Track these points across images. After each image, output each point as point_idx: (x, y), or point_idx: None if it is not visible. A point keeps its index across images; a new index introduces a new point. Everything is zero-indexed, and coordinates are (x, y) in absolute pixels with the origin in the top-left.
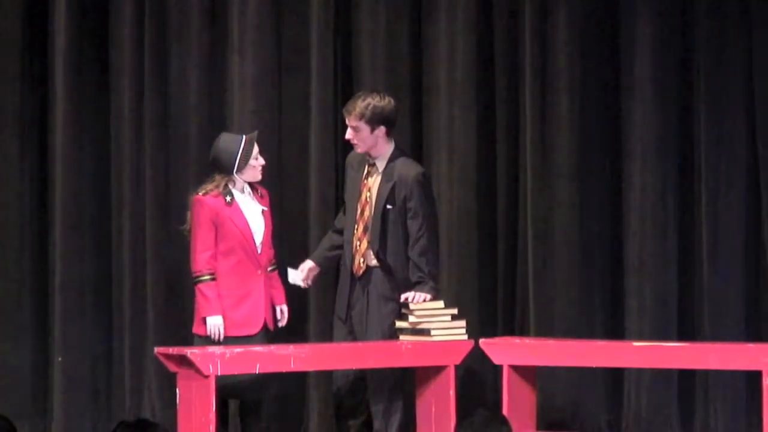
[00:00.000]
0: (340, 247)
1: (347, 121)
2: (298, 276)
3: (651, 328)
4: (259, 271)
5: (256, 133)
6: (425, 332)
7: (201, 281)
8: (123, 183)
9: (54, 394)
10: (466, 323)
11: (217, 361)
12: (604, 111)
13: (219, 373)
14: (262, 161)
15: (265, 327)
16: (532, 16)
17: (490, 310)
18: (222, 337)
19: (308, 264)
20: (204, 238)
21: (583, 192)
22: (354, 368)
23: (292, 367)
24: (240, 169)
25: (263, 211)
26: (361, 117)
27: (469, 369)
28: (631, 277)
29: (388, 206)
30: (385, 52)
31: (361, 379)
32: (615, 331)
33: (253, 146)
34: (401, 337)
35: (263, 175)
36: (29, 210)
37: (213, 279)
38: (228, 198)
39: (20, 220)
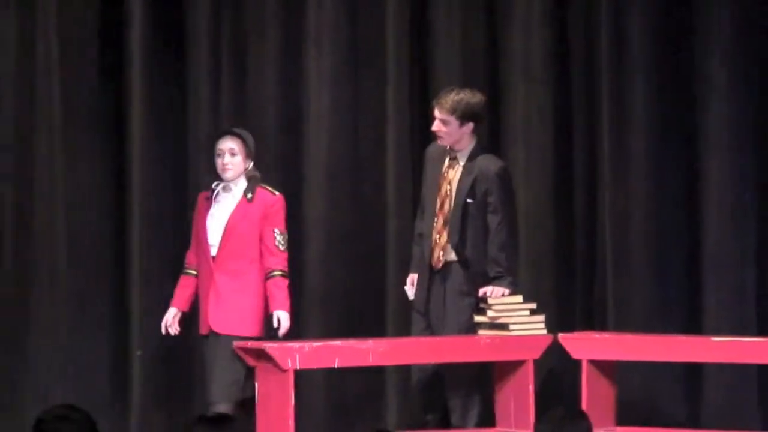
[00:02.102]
0: None
1: (437, 114)
2: (411, 291)
3: (729, 322)
4: (213, 271)
5: (219, 130)
6: (504, 327)
7: (181, 272)
8: (200, 177)
9: (133, 388)
10: (545, 317)
11: (296, 356)
12: (681, 104)
13: (298, 368)
14: (224, 161)
15: (209, 330)
16: (608, 10)
17: (568, 305)
18: (165, 329)
19: (415, 276)
20: (192, 232)
21: (661, 186)
22: (432, 362)
23: (371, 361)
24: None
25: (231, 213)
26: (453, 111)
27: (547, 364)
28: (709, 271)
29: (469, 200)
30: (460, 46)
31: (439, 372)
32: (693, 325)
33: (214, 144)
34: (480, 332)
35: (237, 175)
36: (107, 204)
37: (189, 273)
38: (209, 195)
39: (98, 213)
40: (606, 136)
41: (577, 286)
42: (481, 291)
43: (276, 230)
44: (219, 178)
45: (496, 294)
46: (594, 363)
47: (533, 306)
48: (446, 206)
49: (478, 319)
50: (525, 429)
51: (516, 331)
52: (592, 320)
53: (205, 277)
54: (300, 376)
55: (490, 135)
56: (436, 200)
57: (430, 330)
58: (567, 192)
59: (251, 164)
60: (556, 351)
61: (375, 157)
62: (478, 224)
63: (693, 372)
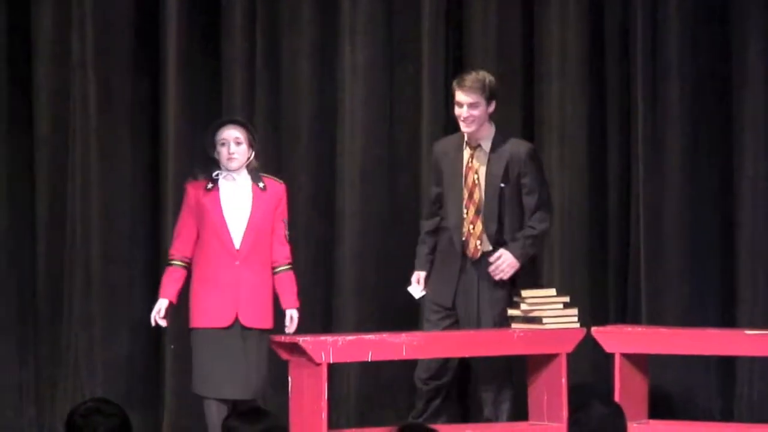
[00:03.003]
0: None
1: (464, 98)
2: (418, 290)
3: (763, 316)
4: (237, 263)
5: (219, 120)
6: (537, 320)
7: (167, 265)
8: None
9: (166, 382)
10: (578, 311)
11: (329, 349)
12: (716, 99)
13: (331, 362)
14: (230, 150)
15: (238, 322)
16: (644, 3)
17: (602, 298)
18: (155, 320)
19: (422, 275)
20: (181, 223)
21: (695, 179)
22: (466, 356)
23: (404, 354)
24: (217, 157)
25: (252, 203)
26: (482, 92)
27: (581, 357)
28: (743, 265)
29: (503, 185)
30: (496, 39)
31: (446, 362)
32: (727, 319)
33: (215, 134)
34: (513, 325)
35: (242, 164)
36: (141, 198)
37: (179, 265)
38: (209, 185)
39: (132, 207)
40: (641, 129)
41: (610, 279)
42: (494, 257)
43: (285, 220)
44: (211, 167)
45: (501, 261)
46: (627, 356)
47: (566, 299)
48: (476, 195)
49: (511, 312)
50: (558, 422)
51: (549, 324)
52: (626, 314)
53: (223, 269)
54: (332, 367)
55: (524, 127)
56: (461, 192)
57: (457, 325)
58: (601, 185)
59: (253, 153)
60: (589, 344)
61: (409, 152)
62: (513, 208)
63: (726, 365)
